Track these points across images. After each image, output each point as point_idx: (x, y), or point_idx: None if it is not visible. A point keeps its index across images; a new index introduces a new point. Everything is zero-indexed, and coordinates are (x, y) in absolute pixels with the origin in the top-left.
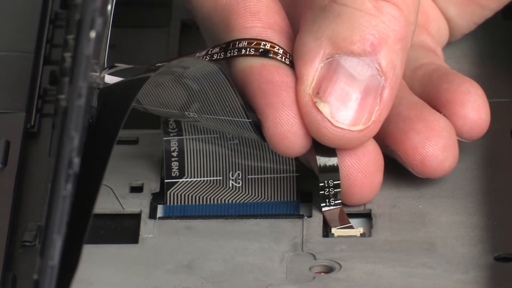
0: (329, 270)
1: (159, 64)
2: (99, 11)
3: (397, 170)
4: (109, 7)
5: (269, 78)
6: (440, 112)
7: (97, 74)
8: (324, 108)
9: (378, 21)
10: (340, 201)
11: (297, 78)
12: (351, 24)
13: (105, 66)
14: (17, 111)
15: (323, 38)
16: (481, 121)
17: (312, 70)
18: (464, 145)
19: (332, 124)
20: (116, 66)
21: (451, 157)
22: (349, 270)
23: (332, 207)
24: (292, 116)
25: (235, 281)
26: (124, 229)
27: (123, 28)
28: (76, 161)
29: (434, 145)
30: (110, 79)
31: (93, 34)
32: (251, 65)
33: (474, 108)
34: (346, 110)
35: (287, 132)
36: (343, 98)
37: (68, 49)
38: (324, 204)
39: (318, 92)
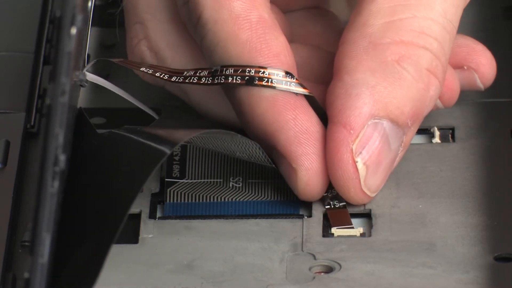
0: (329, 270)
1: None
2: (79, 8)
3: (397, 170)
4: (89, 3)
5: (305, 127)
6: (462, 68)
7: (80, 71)
8: (363, 170)
9: (425, 97)
10: (344, 203)
11: (336, 120)
12: (407, 94)
13: (86, 64)
14: (17, 111)
15: (378, 97)
16: (496, 68)
17: (361, 125)
18: (464, 145)
19: (360, 188)
20: (95, 61)
21: None
22: (349, 270)
23: (336, 209)
24: (325, 167)
25: (235, 281)
26: (124, 229)
27: (123, 28)
28: (62, 158)
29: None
30: (92, 77)
31: (73, 31)
32: (280, 104)
33: (493, 59)
34: (375, 178)
35: (323, 182)
36: (377, 164)
37: None
38: (328, 207)
39: (361, 152)
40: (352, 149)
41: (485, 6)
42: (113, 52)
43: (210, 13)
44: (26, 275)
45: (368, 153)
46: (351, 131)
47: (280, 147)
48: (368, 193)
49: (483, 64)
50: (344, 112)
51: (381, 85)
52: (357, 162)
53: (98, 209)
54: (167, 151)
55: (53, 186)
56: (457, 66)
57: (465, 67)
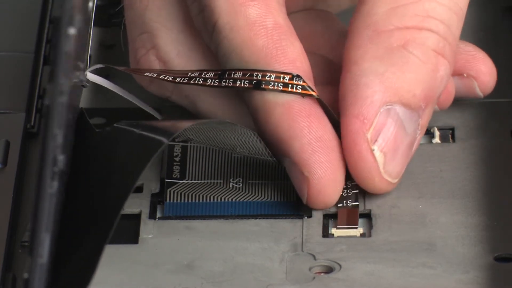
0: (329, 270)
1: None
2: (78, 9)
3: None
4: (90, 4)
5: (319, 135)
6: (462, 75)
7: (81, 72)
8: (380, 158)
9: (435, 78)
10: (357, 203)
11: (348, 113)
12: (417, 77)
13: (88, 65)
14: (17, 111)
15: (388, 83)
16: (496, 76)
17: (373, 114)
18: (464, 145)
19: (381, 176)
20: (99, 65)
21: None
22: (349, 270)
23: (347, 207)
24: (339, 176)
25: (235, 281)
26: (124, 230)
27: (123, 28)
28: (61, 158)
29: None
30: (93, 78)
31: (71, 31)
32: (295, 111)
33: (494, 67)
34: (393, 164)
35: (334, 191)
36: (395, 150)
37: None
38: (341, 205)
39: (377, 140)
40: (368, 139)
41: (485, 6)
42: (113, 52)
43: (226, 20)
44: (25, 275)
45: (384, 140)
46: (365, 120)
47: (293, 155)
48: (390, 179)
49: (483, 72)
50: (356, 103)
51: (389, 71)
52: (373, 150)
53: (97, 206)
54: (165, 140)
55: (51, 187)
56: (457, 73)
57: (465, 75)
